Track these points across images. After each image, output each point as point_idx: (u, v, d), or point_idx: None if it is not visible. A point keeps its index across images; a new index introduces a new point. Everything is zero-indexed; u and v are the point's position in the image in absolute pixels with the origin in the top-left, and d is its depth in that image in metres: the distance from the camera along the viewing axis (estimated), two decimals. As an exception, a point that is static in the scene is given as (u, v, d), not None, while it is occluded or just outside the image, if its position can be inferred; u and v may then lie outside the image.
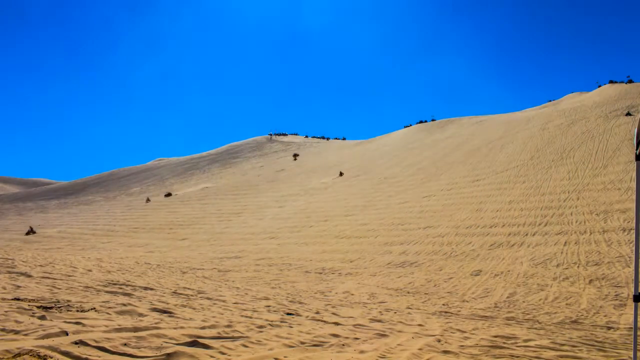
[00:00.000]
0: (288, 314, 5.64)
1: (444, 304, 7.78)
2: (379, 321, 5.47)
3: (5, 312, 4.06)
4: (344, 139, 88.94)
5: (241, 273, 11.68)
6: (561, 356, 4.00)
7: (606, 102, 39.77)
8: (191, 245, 20.94)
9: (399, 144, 53.57)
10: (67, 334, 3.46)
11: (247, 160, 64.58)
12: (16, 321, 3.72)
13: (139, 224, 31.91)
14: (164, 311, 4.95)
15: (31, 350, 2.97)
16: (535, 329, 5.61)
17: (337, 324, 5.12)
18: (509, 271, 11.04)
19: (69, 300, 4.99)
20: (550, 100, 64.91)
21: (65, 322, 3.87)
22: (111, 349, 3.22)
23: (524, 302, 8.14)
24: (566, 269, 10.64)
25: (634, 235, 11.92)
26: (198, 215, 32.49)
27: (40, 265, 8.72)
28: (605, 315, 6.82)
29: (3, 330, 3.44)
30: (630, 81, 50.88)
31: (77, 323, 3.84)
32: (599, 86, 55.16)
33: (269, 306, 6.17)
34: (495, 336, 4.80)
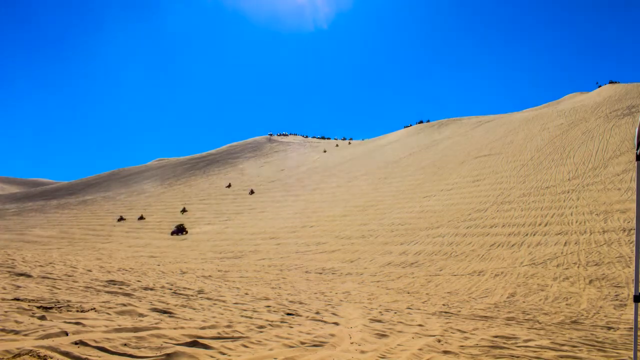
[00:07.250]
0: (288, 314, 5.64)
1: (444, 304, 7.77)
2: (379, 321, 5.46)
3: (5, 312, 4.06)
4: (344, 139, 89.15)
5: (241, 273, 11.68)
6: (561, 356, 4.00)
7: (606, 102, 39.76)
8: (191, 245, 20.94)
9: (398, 144, 53.55)
10: (67, 334, 3.45)
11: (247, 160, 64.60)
12: (16, 321, 3.72)
13: (138, 223, 31.91)
14: (164, 311, 4.94)
15: (31, 350, 2.97)
16: (535, 329, 5.61)
17: (337, 324, 5.12)
18: (509, 271, 11.04)
19: (69, 301, 4.98)
20: (551, 101, 64.99)
21: (65, 322, 3.86)
22: (111, 349, 3.22)
23: (524, 302, 8.14)
24: (566, 269, 10.64)
25: (634, 236, 11.95)
26: (198, 216, 32.50)
27: (40, 265, 8.71)
28: (605, 315, 6.81)
29: (3, 330, 3.43)
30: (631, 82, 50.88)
31: (77, 323, 3.84)
32: (599, 86, 55.19)
33: (269, 306, 6.17)
34: (495, 336, 4.79)
